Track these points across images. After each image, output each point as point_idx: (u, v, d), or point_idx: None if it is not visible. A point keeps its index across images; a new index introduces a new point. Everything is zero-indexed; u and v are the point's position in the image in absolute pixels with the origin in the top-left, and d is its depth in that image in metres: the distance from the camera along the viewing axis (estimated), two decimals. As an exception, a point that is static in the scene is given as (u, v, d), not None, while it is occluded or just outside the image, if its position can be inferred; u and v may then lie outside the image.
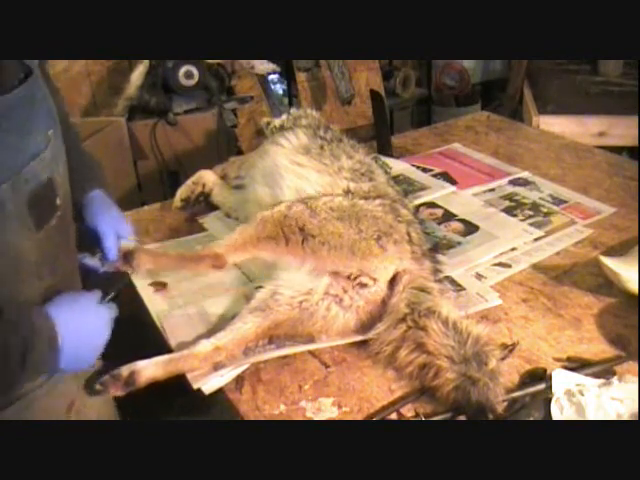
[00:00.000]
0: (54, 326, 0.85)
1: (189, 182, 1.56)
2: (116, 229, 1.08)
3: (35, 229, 0.86)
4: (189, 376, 1.02)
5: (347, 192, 1.22)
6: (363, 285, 1.11)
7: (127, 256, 1.11)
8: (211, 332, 1.10)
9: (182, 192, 1.55)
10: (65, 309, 0.88)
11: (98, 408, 1.03)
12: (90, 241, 1.06)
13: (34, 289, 0.89)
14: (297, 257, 1.13)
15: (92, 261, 1.07)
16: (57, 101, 0.96)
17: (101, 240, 1.06)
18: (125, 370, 1.00)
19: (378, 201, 1.20)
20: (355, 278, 1.11)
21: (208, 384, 1.01)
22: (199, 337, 1.09)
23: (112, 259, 1.07)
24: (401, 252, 1.14)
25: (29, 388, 0.91)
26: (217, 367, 1.03)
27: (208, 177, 1.55)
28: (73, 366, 0.90)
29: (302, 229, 1.13)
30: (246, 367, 1.05)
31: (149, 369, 1.00)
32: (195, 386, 1.00)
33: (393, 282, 1.12)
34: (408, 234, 1.17)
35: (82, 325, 0.89)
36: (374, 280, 1.11)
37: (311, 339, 1.10)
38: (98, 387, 0.98)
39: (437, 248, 1.28)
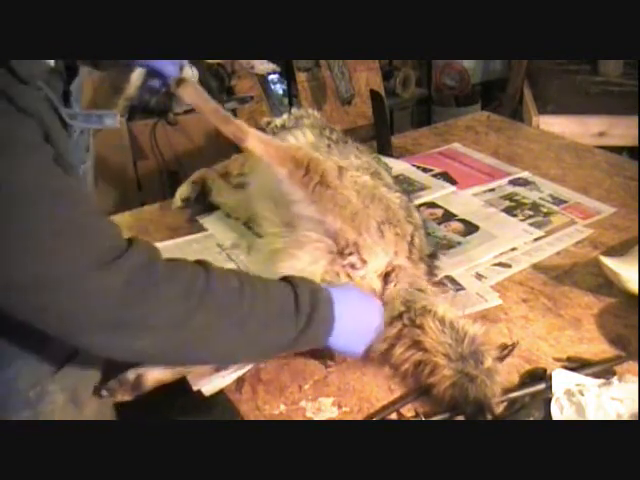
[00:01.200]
0: (332, 304, 0.95)
1: (189, 182, 1.56)
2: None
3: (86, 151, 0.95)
4: (189, 378, 1.01)
5: None
6: (352, 266, 1.11)
7: (179, 81, 1.24)
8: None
9: (182, 192, 1.55)
10: (344, 294, 0.99)
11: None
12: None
13: None
14: (305, 193, 1.14)
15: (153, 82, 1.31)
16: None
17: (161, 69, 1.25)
18: (131, 374, 0.99)
19: (398, 194, 1.22)
20: (346, 256, 1.11)
21: (208, 386, 1.00)
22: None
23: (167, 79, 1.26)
24: (398, 247, 1.14)
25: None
26: (218, 368, 1.03)
27: (208, 177, 1.55)
28: (341, 348, 1.00)
29: (323, 176, 1.14)
30: (247, 369, 1.05)
31: (156, 372, 1.00)
32: (195, 388, 1.00)
33: (387, 277, 1.13)
34: (412, 236, 1.18)
35: (359, 310, 1.01)
36: (363, 262, 1.11)
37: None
38: (105, 392, 0.97)
39: (436, 254, 1.27)
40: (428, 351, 1.00)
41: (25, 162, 0.72)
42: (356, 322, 0.99)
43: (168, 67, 1.25)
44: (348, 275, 1.11)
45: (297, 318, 0.90)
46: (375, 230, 1.12)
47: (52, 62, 0.85)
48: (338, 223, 1.12)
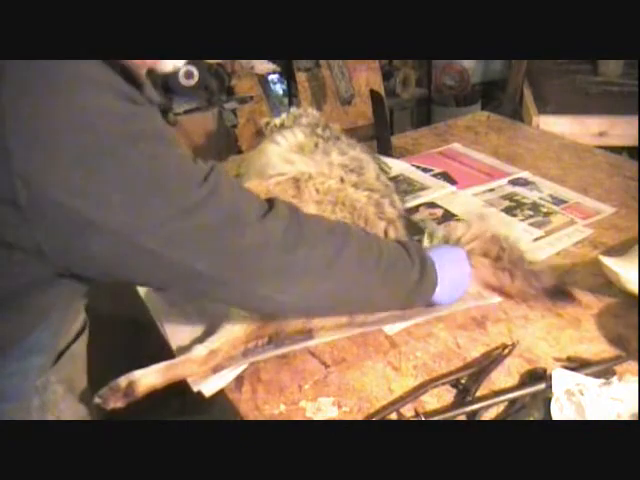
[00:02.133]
0: (434, 264, 1.06)
1: None
2: None
3: None
4: (189, 379, 1.01)
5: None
6: None
7: None
8: (210, 331, 1.10)
9: None
10: (440, 252, 1.11)
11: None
12: None
13: None
14: None
15: None
16: None
17: None
18: (123, 381, 0.99)
19: (367, 192, 1.22)
20: None
21: (208, 386, 1.00)
22: (198, 338, 1.09)
23: None
24: None
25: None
26: (217, 369, 1.04)
27: None
28: (446, 299, 1.12)
29: None
30: (245, 367, 1.05)
31: (147, 378, 1.00)
32: (195, 389, 1.00)
33: None
34: (385, 232, 1.19)
35: (455, 265, 1.11)
36: None
37: (309, 335, 1.10)
38: (97, 400, 0.97)
39: (420, 242, 1.30)
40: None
41: (175, 149, 0.84)
42: (454, 275, 1.11)
43: None
44: None
45: (412, 268, 1.01)
46: None
47: None
48: None
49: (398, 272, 1.01)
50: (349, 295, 0.99)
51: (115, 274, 0.83)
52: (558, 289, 1.17)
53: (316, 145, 1.33)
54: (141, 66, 0.86)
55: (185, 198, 0.80)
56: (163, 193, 0.78)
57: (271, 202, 0.91)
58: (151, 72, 0.90)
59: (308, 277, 0.90)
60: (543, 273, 1.18)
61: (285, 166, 1.27)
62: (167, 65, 0.91)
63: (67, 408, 0.95)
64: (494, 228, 1.26)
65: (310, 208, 1.14)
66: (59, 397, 0.95)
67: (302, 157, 1.28)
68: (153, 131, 0.80)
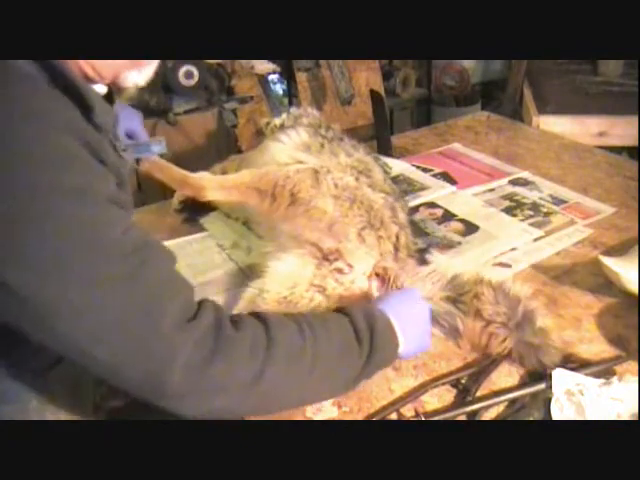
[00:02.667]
0: (389, 319, 0.95)
1: None
2: (128, 131, 1.38)
3: None
4: None
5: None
6: (339, 271, 1.11)
7: (138, 161, 1.32)
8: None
9: (179, 194, 1.55)
10: (394, 303, 1.00)
11: None
12: None
13: None
14: (277, 216, 1.16)
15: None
16: None
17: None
18: None
19: (382, 194, 1.21)
20: (332, 261, 1.12)
21: None
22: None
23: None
24: (382, 249, 1.15)
25: None
26: None
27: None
28: (412, 355, 1.02)
29: (294, 194, 1.15)
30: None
31: None
32: None
33: (382, 282, 1.13)
34: (397, 236, 1.18)
35: (414, 315, 1.01)
36: (349, 266, 1.12)
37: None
38: (97, 399, 0.97)
39: (428, 249, 1.28)
40: (487, 321, 1.05)
41: (111, 217, 0.73)
42: (417, 326, 1.01)
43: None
44: (337, 280, 1.11)
45: (360, 348, 0.90)
46: (355, 237, 1.13)
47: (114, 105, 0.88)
48: (315, 235, 1.12)
49: (339, 366, 0.90)
50: (280, 404, 0.90)
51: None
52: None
53: (322, 145, 1.33)
54: (97, 80, 0.82)
55: (99, 267, 0.72)
56: (79, 257, 0.71)
57: (200, 304, 0.81)
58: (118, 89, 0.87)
59: (226, 394, 0.81)
60: (551, 351, 1.03)
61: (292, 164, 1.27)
62: (127, 81, 0.85)
63: (67, 409, 0.94)
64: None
65: (327, 202, 1.14)
66: (59, 397, 0.94)
67: (309, 156, 1.29)
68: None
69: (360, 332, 0.90)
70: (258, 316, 0.86)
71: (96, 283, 0.71)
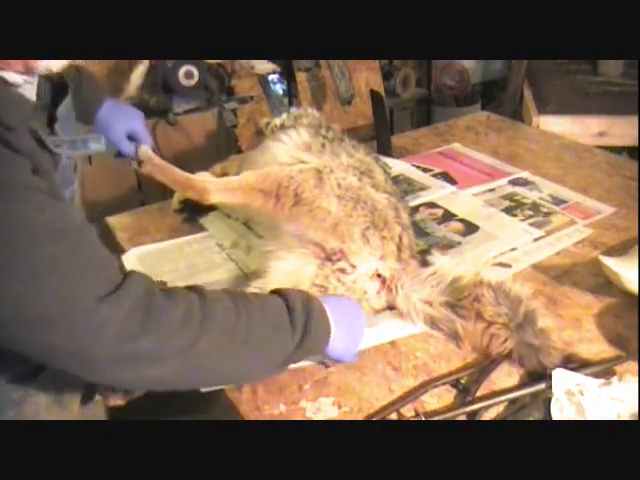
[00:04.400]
0: (325, 309, 0.96)
1: None
2: (129, 132, 1.35)
3: (74, 171, 0.97)
4: None
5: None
6: (342, 271, 1.11)
7: (140, 162, 1.32)
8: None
9: (179, 194, 1.55)
10: (334, 301, 1.00)
11: None
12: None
13: None
14: (281, 217, 1.16)
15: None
16: None
17: (119, 147, 1.35)
18: None
19: (386, 195, 1.21)
20: (335, 262, 1.12)
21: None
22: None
23: (132, 158, 1.36)
24: (385, 250, 1.14)
25: None
26: None
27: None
28: (338, 355, 1.00)
29: (298, 195, 1.14)
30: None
31: None
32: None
33: (384, 284, 1.14)
34: (400, 237, 1.18)
35: (349, 317, 1.01)
36: (352, 267, 1.12)
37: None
38: (97, 397, 0.97)
39: (429, 250, 1.27)
40: (489, 322, 1.05)
41: (24, 203, 0.73)
42: (349, 329, 1.00)
43: (125, 147, 1.36)
44: (339, 280, 1.11)
45: (293, 330, 0.90)
46: (359, 237, 1.13)
47: (34, 99, 0.86)
48: (319, 235, 1.12)
49: (271, 345, 0.91)
50: (211, 377, 0.91)
51: None
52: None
53: (323, 146, 1.33)
54: (6, 68, 0.79)
55: (23, 254, 0.72)
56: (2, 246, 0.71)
57: (127, 277, 0.80)
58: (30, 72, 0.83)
59: (159, 364, 0.81)
60: (551, 352, 1.03)
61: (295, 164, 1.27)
62: (40, 67, 0.82)
63: (51, 419, 0.93)
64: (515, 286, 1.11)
65: (331, 202, 1.14)
66: (42, 408, 0.93)
67: (310, 156, 1.29)
68: None
69: (295, 316, 0.91)
70: (194, 289, 0.87)
71: (21, 270, 0.72)
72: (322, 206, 1.13)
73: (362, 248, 1.12)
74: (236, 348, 0.86)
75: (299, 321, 0.91)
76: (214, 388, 0.97)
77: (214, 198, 1.22)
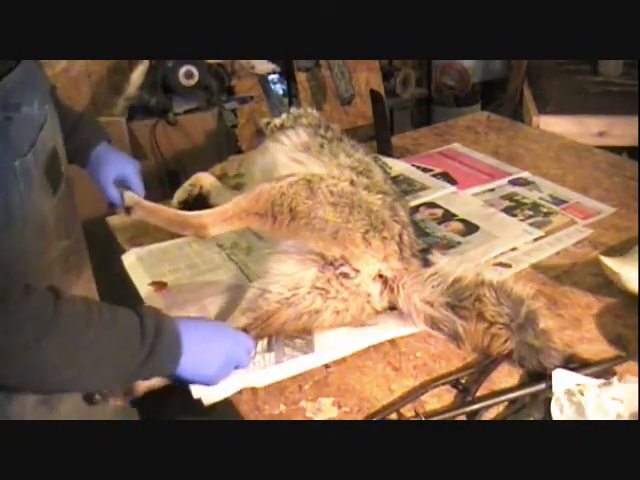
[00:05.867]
0: (179, 336, 0.92)
1: (186, 185, 1.55)
2: (120, 178, 1.27)
3: (52, 193, 0.96)
4: (191, 385, 1.01)
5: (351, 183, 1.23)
6: (345, 275, 1.11)
7: (128, 209, 1.24)
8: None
9: (179, 195, 1.55)
10: (192, 325, 0.97)
11: None
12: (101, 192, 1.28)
13: (57, 250, 0.99)
14: (280, 235, 1.15)
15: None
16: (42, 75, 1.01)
17: (105, 192, 1.27)
18: None
19: (380, 195, 1.20)
20: (337, 267, 1.11)
21: (209, 395, 0.99)
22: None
23: (118, 205, 1.27)
24: (387, 251, 1.14)
25: None
26: None
27: (205, 180, 1.55)
28: (189, 377, 0.96)
29: (293, 210, 1.13)
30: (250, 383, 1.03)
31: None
32: (196, 396, 0.99)
33: (385, 284, 1.13)
34: (400, 235, 1.17)
35: (208, 343, 0.97)
36: (356, 271, 1.12)
37: (309, 343, 1.10)
38: (97, 397, 0.97)
39: (429, 249, 1.27)
40: (490, 322, 1.06)
41: None
42: (205, 355, 0.97)
43: (110, 193, 1.28)
44: (342, 284, 1.11)
45: (142, 345, 0.88)
46: (360, 241, 1.12)
47: None
48: (320, 245, 1.12)
49: (117, 357, 0.89)
50: (54, 379, 0.86)
51: None
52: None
53: (321, 146, 1.33)
54: None
55: None
56: None
57: None
58: None
59: (4, 360, 0.80)
60: (552, 354, 1.03)
61: (294, 165, 1.27)
62: None
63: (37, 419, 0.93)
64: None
65: (327, 210, 1.13)
66: (27, 409, 0.93)
67: (310, 157, 1.28)
68: None
69: (146, 333, 0.89)
70: (53, 289, 0.85)
71: None
72: (319, 216, 1.13)
73: (364, 252, 1.12)
74: (81, 354, 0.85)
75: (148, 339, 0.89)
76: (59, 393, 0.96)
77: (214, 231, 1.19)
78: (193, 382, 0.99)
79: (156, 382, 1.00)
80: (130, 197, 1.24)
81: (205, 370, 0.97)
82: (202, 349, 0.96)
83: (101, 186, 1.27)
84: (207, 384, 0.99)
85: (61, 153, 1.00)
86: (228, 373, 1.00)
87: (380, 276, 1.14)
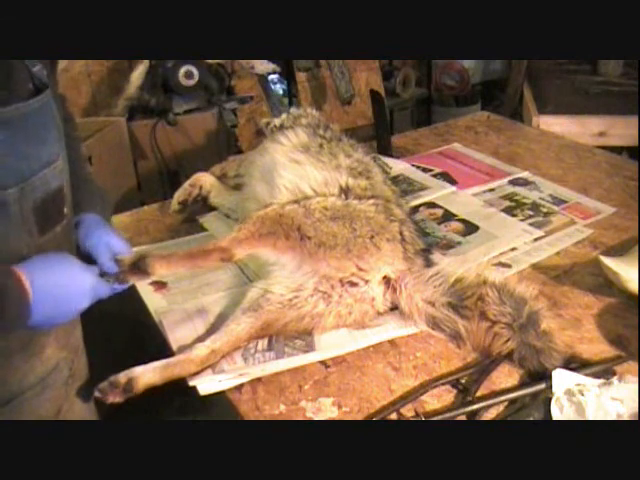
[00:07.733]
0: (25, 285, 0.83)
1: (186, 185, 1.56)
2: (109, 244, 1.02)
3: (38, 234, 0.88)
4: (187, 377, 1.01)
5: (345, 188, 1.22)
6: (353, 284, 1.12)
7: (138, 264, 1.01)
8: (210, 331, 1.10)
9: (179, 195, 1.55)
10: (39, 268, 0.86)
11: (83, 415, 1.03)
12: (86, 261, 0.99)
13: None
14: (296, 255, 1.13)
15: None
16: (64, 110, 0.97)
17: (95, 256, 1.01)
18: (123, 377, 0.99)
19: (371, 201, 1.20)
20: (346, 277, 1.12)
21: (205, 385, 1.00)
22: (198, 337, 1.10)
23: (111, 272, 1.00)
24: (394, 251, 1.15)
25: (18, 390, 0.92)
26: (215, 370, 1.03)
27: (205, 180, 1.55)
28: (45, 324, 0.89)
29: (298, 229, 1.12)
30: (248, 377, 1.03)
31: (146, 375, 1.00)
32: (191, 383, 1.00)
33: (388, 284, 1.14)
34: (401, 233, 1.18)
35: (57, 286, 0.87)
36: (365, 281, 1.12)
37: (310, 343, 1.10)
38: (96, 394, 0.98)
39: (431, 249, 1.27)
40: (492, 322, 1.06)
41: None
42: (55, 297, 0.88)
43: (102, 261, 1.02)
44: (347, 291, 1.11)
45: None
46: (372, 247, 1.12)
47: None
48: (335, 264, 1.11)
49: None
50: None
51: None
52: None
53: (321, 146, 1.33)
54: None
55: None
56: None
57: None
58: None
59: None
60: (553, 355, 1.03)
61: (293, 165, 1.27)
62: None
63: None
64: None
65: (329, 226, 1.12)
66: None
67: (309, 157, 1.28)
68: None
69: None
70: None
71: None
72: (325, 232, 1.12)
73: (378, 259, 1.12)
74: None
75: None
76: None
77: (239, 253, 1.13)
78: (47, 325, 0.91)
79: (155, 379, 1.00)
80: (135, 252, 1.04)
81: (60, 315, 0.90)
82: (53, 295, 0.87)
83: (91, 252, 1.03)
84: (60, 322, 0.92)
85: (67, 194, 0.93)
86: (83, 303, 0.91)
87: (384, 277, 1.14)
